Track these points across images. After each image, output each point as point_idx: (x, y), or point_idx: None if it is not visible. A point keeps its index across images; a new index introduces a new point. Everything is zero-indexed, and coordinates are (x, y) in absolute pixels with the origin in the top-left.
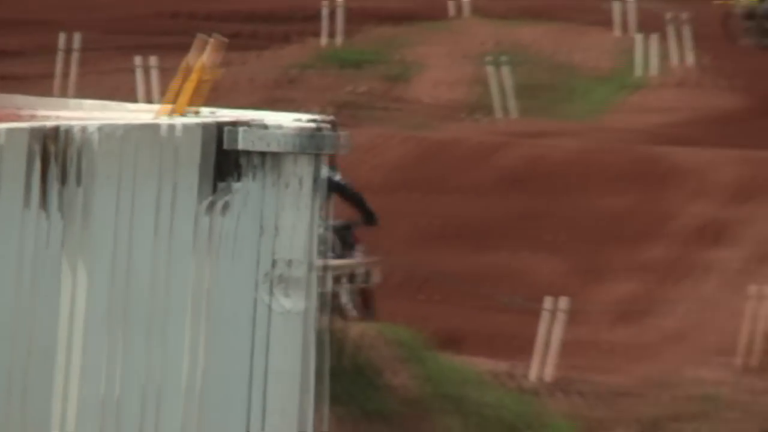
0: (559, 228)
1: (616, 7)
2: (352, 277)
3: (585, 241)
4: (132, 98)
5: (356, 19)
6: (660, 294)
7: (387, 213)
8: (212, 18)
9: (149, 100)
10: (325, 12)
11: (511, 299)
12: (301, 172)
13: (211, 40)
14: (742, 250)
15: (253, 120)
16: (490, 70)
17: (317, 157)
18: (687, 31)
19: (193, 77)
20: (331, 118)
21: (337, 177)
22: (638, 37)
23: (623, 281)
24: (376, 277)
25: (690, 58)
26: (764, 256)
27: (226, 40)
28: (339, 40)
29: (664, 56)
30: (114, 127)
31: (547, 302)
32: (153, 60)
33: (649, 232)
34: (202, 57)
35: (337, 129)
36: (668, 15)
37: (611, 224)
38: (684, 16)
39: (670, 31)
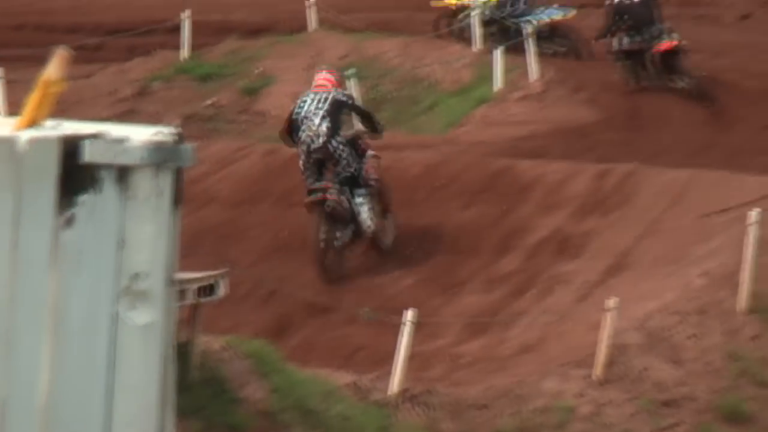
0: (415, 241)
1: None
2: (210, 289)
3: (441, 254)
4: None
5: (212, 32)
6: (515, 307)
7: (234, 225)
8: (74, 30)
9: (1, 113)
10: (183, 25)
11: (366, 312)
12: (150, 185)
13: (58, 53)
14: (595, 262)
15: (100, 133)
16: (347, 83)
17: (166, 169)
18: (532, 45)
19: (40, 90)
20: (178, 130)
21: (346, 94)
22: (496, 52)
23: (479, 294)
24: (224, 289)
25: (543, 73)
26: (617, 268)
27: (73, 52)
28: (195, 53)
29: (520, 70)
30: None
31: (404, 315)
32: (0, 72)
33: (505, 245)
34: (49, 70)
35: (184, 141)
36: (525, 29)
37: (467, 237)
38: (530, 29)
39: (527, 46)
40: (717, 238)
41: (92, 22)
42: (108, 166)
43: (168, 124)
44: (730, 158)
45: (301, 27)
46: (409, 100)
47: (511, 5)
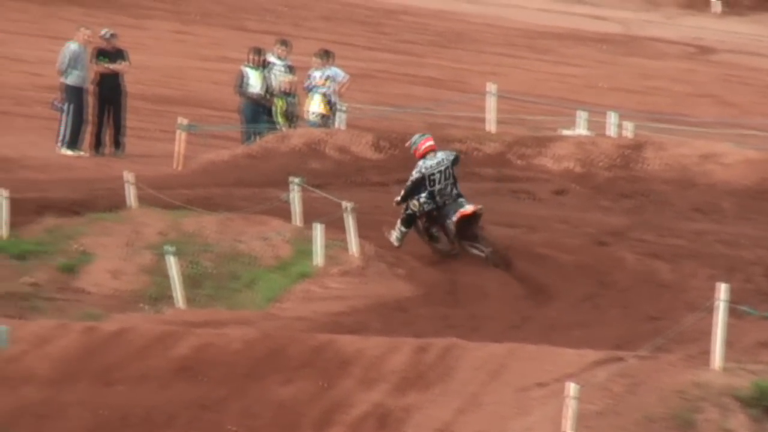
0: (237, 417)
1: (294, 198)
2: None
3: (263, 430)
4: None
5: (27, 210)
6: None
7: (52, 404)
8: None
9: None
10: (0, 204)
11: None
12: None
13: None
14: None
15: None
16: (165, 259)
17: None
18: (351, 220)
19: None
20: None
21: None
22: (316, 226)
23: None
24: None
25: (362, 248)
26: None
27: None
28: (12, 231)
29: (340, 246)
30: None
31: None
32: None
33: (326, 421)
34: None
35: None
36: (344, 204)
37: (288, 413)
38: (350, 205)
39: (347, 220)
40: (535, 412)
41: None
42: None
43: None
44: (547, 332)
45: (120, 204)
46: (229, 275)
47: None
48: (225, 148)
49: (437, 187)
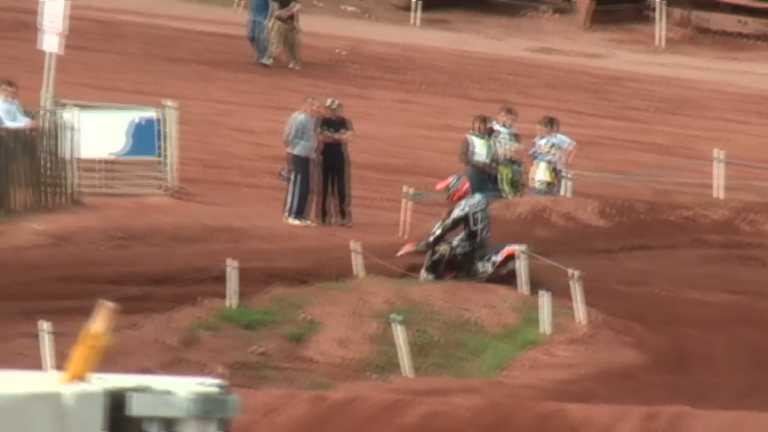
0: None
1: (521, 266)
2: None
3: None
4: (36, 364)
5: (257, 280)
6: None
7: None
8: (118, 281)
9: (48, 366)
10: (228, 272)
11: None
12: None
13: (104, 306)
14: None
15: (146, 385)
16: (392, 328)
17: (212, 420)
18: (578, 288)
19: (86, 343)
20: (225, 382)
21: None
22: (542, 294)
23: None
24: None
25: (589, 316)
26: None
27: (117, 304)
28: (241, 300)
29: (566, 313)
30: (6, 398)
31: None
32: (47, 326)
33: None
34: (95, 323)
35: (229, 392)
36: (570, 272)
37: None
38: (577, 273)
39: (574, 288)
40: None
41: (136, 272)
42: (154, 419)
43: (214, 373)
44: None
45: (347, 273)
46: (456, 344)
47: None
48: None
49: (479, 226)
